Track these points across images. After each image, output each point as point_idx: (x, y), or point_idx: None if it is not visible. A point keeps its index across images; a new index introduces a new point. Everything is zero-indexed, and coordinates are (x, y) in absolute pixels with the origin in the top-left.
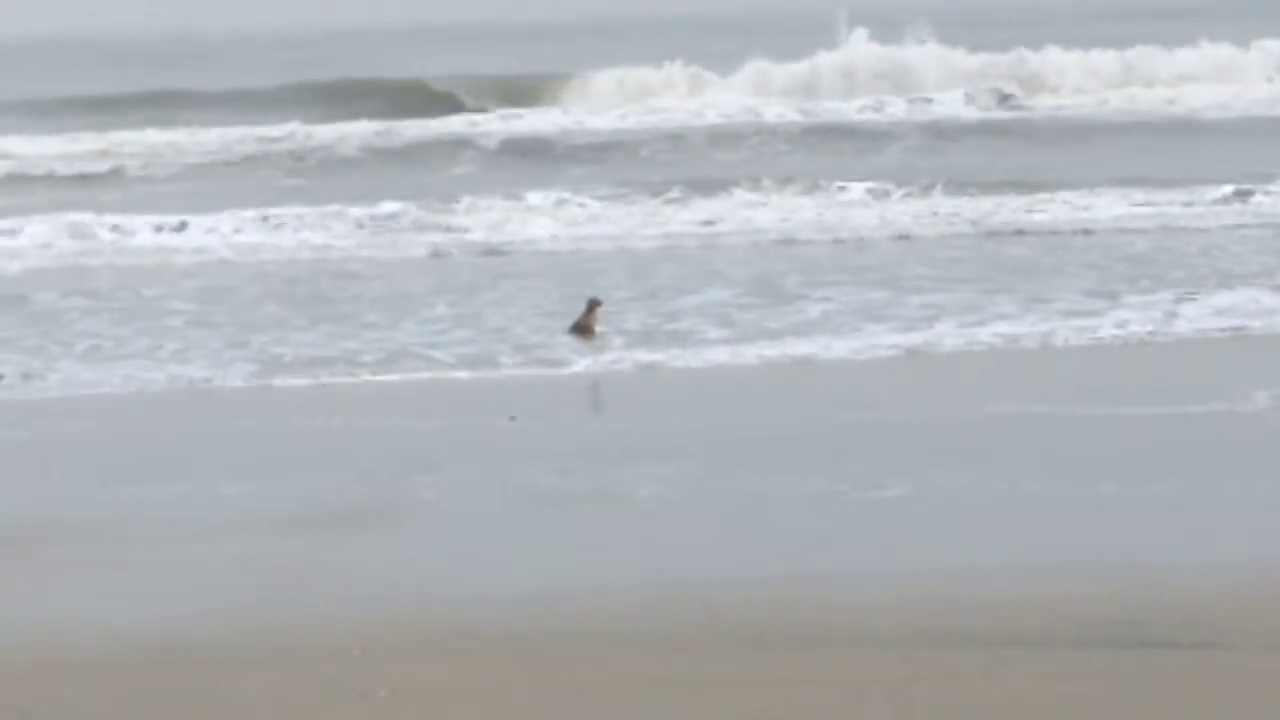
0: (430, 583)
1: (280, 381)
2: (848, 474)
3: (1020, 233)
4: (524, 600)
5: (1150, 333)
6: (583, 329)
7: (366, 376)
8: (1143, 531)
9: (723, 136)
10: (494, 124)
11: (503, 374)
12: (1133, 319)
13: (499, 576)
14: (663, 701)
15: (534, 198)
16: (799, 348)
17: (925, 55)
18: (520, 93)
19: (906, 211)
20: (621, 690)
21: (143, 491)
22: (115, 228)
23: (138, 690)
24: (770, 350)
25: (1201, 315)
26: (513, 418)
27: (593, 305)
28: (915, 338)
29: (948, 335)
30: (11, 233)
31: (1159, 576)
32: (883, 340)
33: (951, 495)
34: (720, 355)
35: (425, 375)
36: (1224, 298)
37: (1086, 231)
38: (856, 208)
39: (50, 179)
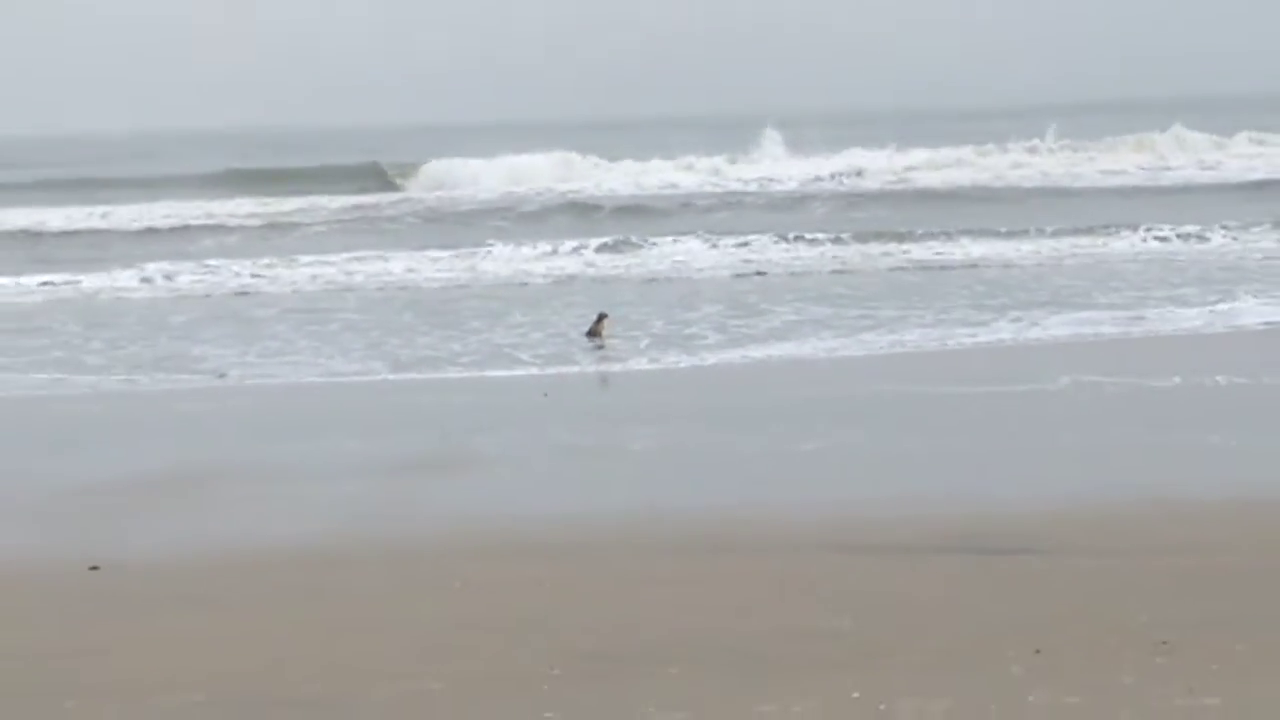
0: (489, 508)
1: (395, 376)
2: (779, 433)
3: (901, 269)
4: (553, 519)
5: (1011, 338)
6: (594, 334)
7: (462, 372)
8: (987, 471)
9: (691, 201)
10: (552, 188)
11: (563, 368)
12: (1005, 327)
13: (536, 503)
14: (652, 591)
15: (569, 243)
16: (771, 349)
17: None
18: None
19: (827, 252)
20: (622, 582)
21: (291, 446)
22: (315, 262)
23: (284, 583)
24: (756, 351)
25: (1054, 325)
26: (545, 394)
27: (601, 316)
28: (850, 342)
29: (877, 340)
30: (223, 268)
31: (998, 504)
32: (827, 344)
33: (851, 448)
34: (716, 353)
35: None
36: (1066, 315)
37: (944, 268)
38: (793, 249)
39: (223, 229)
